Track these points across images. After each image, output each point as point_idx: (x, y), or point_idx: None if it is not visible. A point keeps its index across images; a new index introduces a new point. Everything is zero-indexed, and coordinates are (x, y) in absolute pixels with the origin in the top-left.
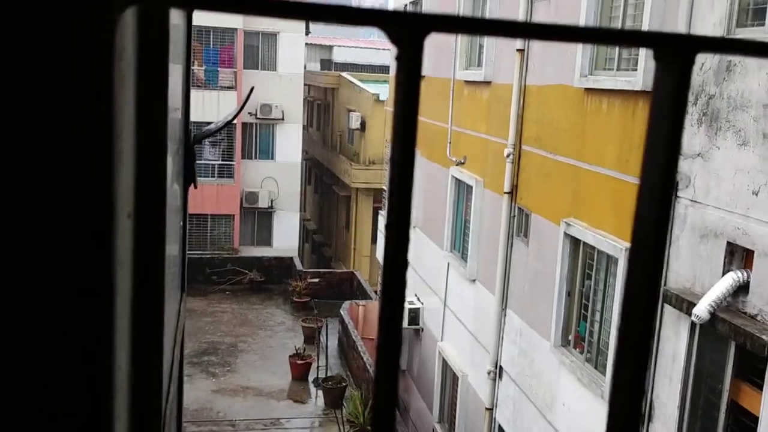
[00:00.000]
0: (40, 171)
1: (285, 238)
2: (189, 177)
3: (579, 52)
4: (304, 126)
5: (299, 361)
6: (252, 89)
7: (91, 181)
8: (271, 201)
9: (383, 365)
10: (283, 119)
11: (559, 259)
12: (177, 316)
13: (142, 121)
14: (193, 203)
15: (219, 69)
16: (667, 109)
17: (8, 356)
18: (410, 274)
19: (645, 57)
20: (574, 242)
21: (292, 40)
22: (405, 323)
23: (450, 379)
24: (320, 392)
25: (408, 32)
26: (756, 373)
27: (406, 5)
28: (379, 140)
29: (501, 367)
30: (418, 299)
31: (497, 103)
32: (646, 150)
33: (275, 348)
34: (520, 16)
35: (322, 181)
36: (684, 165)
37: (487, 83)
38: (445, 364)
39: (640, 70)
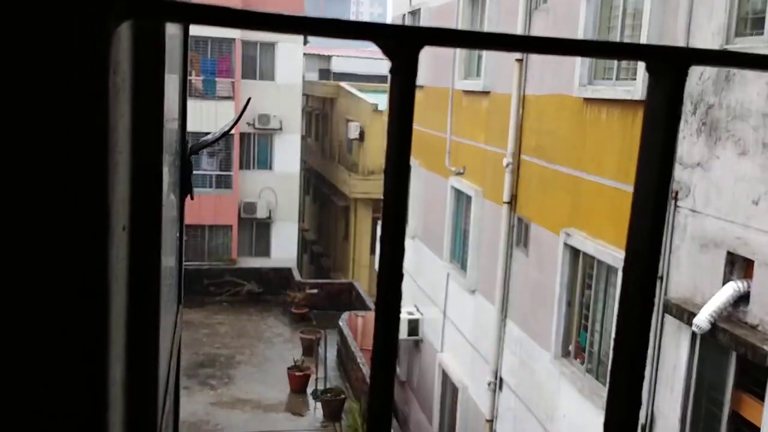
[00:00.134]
0: (34, 184)
1: (283, 248)
2: (186, 188)
3: (578, 61)
4: (302, 136)
5: (298, 373)
6: (249, 100)
7: (86, 194)
8: (270, 211)
9: (379, 374)
10: (281, 129)
11: (559, 269)
12: (173, 327)
13: (138, 134)
14: (190, 214)
15: (217, 79)
16: (661, 120)
17: (4, 364)
18: (410, 285)
19: (644, 67)
20: (574, 252)
21: (291, 50)
22: (404, 334)
23: (450, 390)
24: (319, 404)
25: (402, 46)
26: (757, 384)
27: (404, 15)
28: (378, 150)
29: (501, 378)
30: (418, 310)
31: (496, 112)
32: (640, 160)
33: (273, 360)
34: (519, 26)
35: (320, 192)
36: (684, 174)
37: (486, 93)
38: (444, 376)
39: (639, 80)
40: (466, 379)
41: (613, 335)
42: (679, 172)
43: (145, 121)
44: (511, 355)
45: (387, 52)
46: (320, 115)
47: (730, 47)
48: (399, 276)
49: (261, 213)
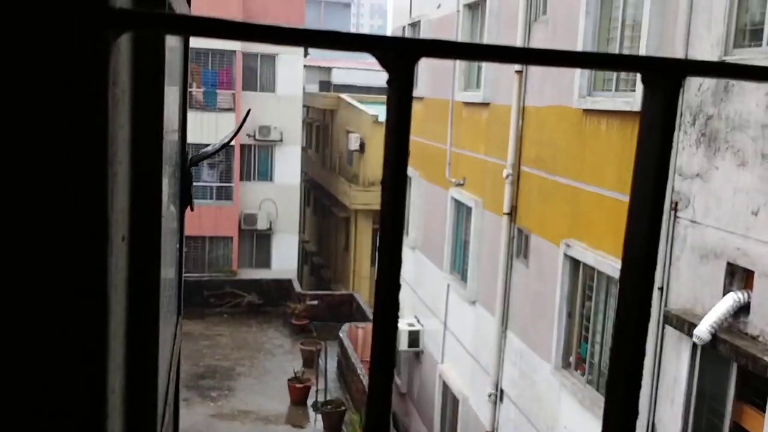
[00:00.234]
0: (34, 193)
1: (284, 260)
2: (186, 199)
3: (577, 73)
4: (302, 147)
5: (298, 385)
6: (248, 111)
7: (85, 204)
8: (270, 223)
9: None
10: (281, 141)
11: (559, 280)
12: (173, 338)
13: (138, 144)
14: (191, 225)
15: (217, 91)
16: (656, 130)
17: (5, 367)
18: (410, 296)
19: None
20: (574, 263)
21: (291, 61)
22: (405, 345)
23: (450, 401)
24: (319, 416)
25: (398, 57)
26: (758, 395)
27: (404, 27)
28: (379, 161)
29: (502, 389)
30: (418, 321)
31: (496, 124)
32: (636, 170)
33: (273, 371)
34: (519, 37)
35: (321, 203)
36: (683, 185)
37: (486, 104)
38: (445, 387)
39: (638, 91)
40: (467, 390)
41: None
42: (678, 183)
43: (144, 131)
44: (512, 366)
45: (384, 63)
46: (321, 126)
47: (729, 58)
48: (396, 286)
49: (261, 224)
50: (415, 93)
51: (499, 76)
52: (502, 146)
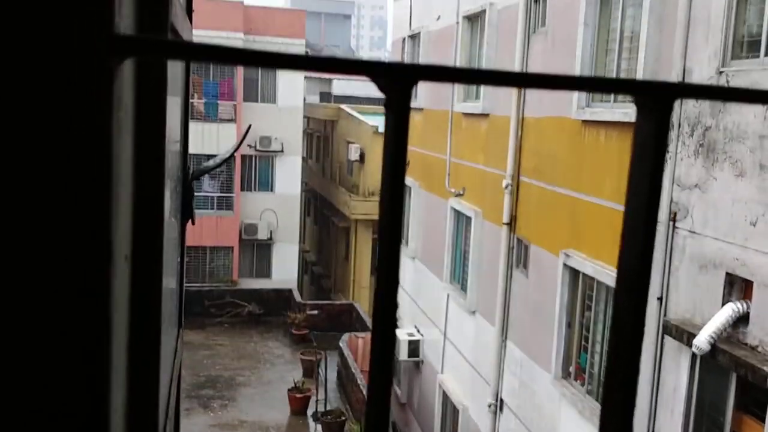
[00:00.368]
0: (37, 216)
1: (284, 269)
2: (187, 213)
3: None
4: (303, 158)
5: (298, 395)
6: (249, 127)
7: (88, 227)
8: (270, 233)
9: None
10: (282, 151)
11: (559, 290)
12: (174, 352)
13: (140, 165)
14: (192, 235)
15: (219, 102)
16: (648, 151)
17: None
18: (410, 306)
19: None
20: (574, 273)
21: (292, 73)
22: (405, 355)
23: (450, 412)
24: (319, 426)
25: (395, 82)
26: (758, 405)
27: (404, 39)
28: (379, 172)
29: (502, 399)
30: (418, 331)
31: (495, 134)
32: (629, 190)
33: (274, 381)
34: (518, 49)
35: (321, 213)
36: (682, 196)
37: (485, 115)
38: (445, 397)
39: None
40: (467, 400)
41: None
42: (677, 193)
43: (147, 152)
44: (512, 376)
45: (381, 87)
46: (321, 137)
47: (727, 70)
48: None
49: (262, 234)
50: (415, 104)
51: (498, 87)
52: (501, 157)
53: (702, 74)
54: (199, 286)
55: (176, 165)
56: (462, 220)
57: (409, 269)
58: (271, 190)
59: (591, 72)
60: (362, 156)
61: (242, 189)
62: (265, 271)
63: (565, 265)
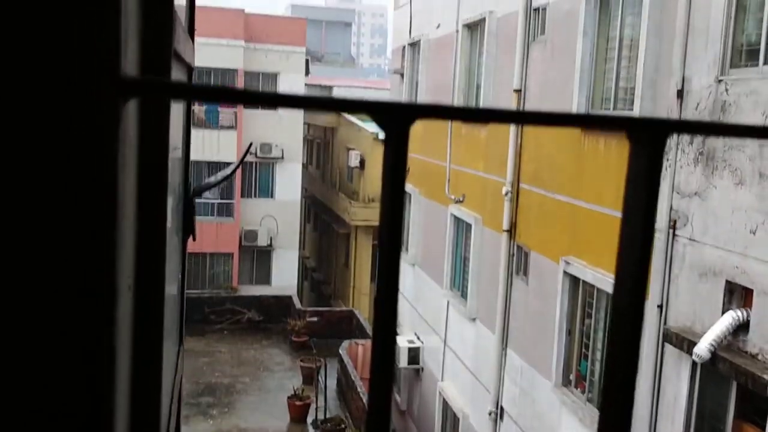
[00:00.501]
0: (44, 253)
1: (284, 276)
2: (188, 229)
3: (576, 91)
4: (303, 164)
5: (298, 402)
6: (251, 145)
7: (94, 264)
8: (270, 239)
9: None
10: (282, 158)
11: (559, 297)
12: (174, 370)
13: (143, 203)
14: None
15: (219, 109)
16: (641, 186)
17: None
18: (410, 313)
19: (640, 96)
20: (574, 281)
21: (293, 80)
22: (405, 363)
23: (451, 419)
24: None
25: (394, 120)
26: (758, 413)
27: (404, 46)
28: (379, 178)
29: (502, 407)
30: (418, 338)
31: (495, 141)
32: (623, 222)
33: (273, 388)
34: (517, 57)
35: (321, 219)
36: (682, 203)
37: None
38: (445, 405)
39: (636, 110)
40: (467, 408)
41: None
42: (677, 201)
43: (149, 188)
44: (512, 384)
45: (381, 124)
46: (321, 143)
47: (726, 78)
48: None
49: (262, 241)
50: None
51: (497, 94)
52: (501, 164)
53: (701, 82)
54: (199, 292)
55: (178, 181)
56: (462, 227)
57: (408, 276)
58: (272, 197)
59: (590, 79)
60: (362, 162)
61: (242, 195)
62: (264, 278)
63: (565, 272)
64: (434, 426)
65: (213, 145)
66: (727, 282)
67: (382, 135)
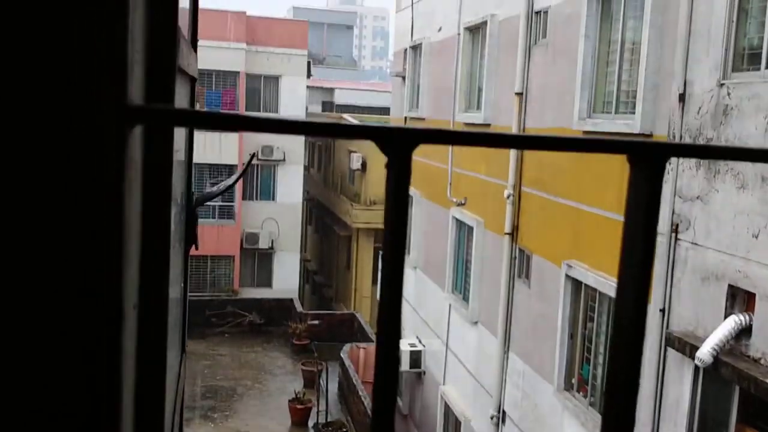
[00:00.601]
0: (52, 274)
1: (285, 279)
2: (190, 239)
3: (577, 95)
4: (305, 167)
5: (299, 406)
6: (252, 155)
7: (101, 286)
8: (272, 242)
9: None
10: (284, 160)
11: (561, 301)
12: (177, 377)
13: (147, 224)
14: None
15: (221, 111)
16: (642, 208)
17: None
18: (412, 316)
19: (642, 100)
20: (576, 284)
21: (294, 83)
22: (407, 366)
23: (452, 423)
24: None
25: (397, 145)
26: (761, 418)
27: (406, 49)
28: (380, 181)
29: (504, 411)
30: (420, 342)
31: None
32: (624, 243)
33: (274, 392)
34: (519, 60)
35: (322, 222)
36: (684, 207)
37: (487, 125)
38: (447, 409)
39: (638, 113)
40: (469, 412)
41: None
42: (679, 205)
43: (153, 211)
44: (514, 387)
45: (384, 149)
46: (323, 146)
47: (728, 82)
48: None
49: (263, 243)
50: (417, 114)
51: (499, 97)
52: (503, 166)
53: (703, 86)
54: (200, 295)
55: (180, 191)
56: (464, 230)
57: (410, 279)
58: (273, 199)
59: (592, 83)
60: (364, 165)
61: (244, 198)
62: (266, 281)
63: (567, 275)
64: (436, 430)
65: (214, 147)
66: (730, 286)
67: None
